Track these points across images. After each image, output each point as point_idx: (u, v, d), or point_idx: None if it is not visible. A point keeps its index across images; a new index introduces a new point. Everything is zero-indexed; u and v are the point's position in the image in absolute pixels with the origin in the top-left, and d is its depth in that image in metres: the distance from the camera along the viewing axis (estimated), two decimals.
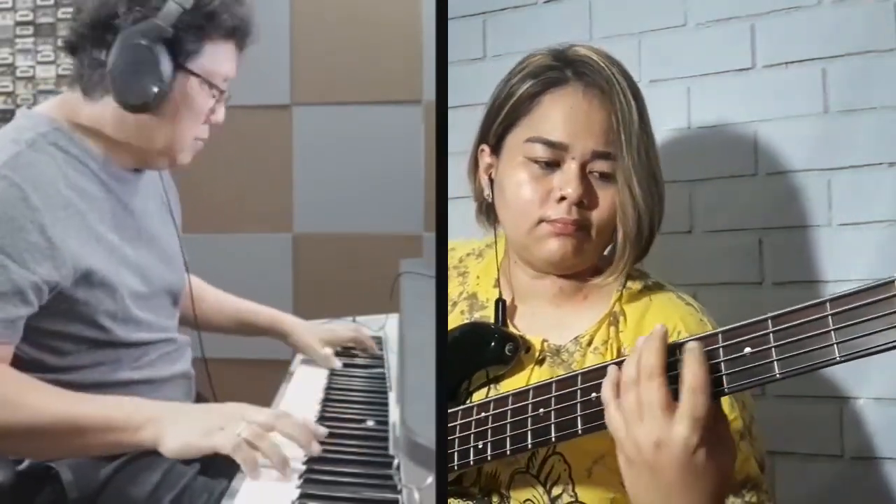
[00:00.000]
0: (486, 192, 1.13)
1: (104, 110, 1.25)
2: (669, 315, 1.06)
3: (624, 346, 1.05)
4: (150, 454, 1.17)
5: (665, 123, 1.49)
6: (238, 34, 1.28)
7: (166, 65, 1.19)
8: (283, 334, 1.68)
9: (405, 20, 2.73)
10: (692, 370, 0.79)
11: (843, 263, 1.38)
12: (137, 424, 1.09)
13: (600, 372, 0.88)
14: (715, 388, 0.79)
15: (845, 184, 1.38)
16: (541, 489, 1.01)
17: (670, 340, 1.01)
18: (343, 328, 1.77)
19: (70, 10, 1.27)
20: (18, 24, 2.96)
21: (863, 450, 1.37)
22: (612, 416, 0.83)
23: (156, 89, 1.19)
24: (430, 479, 0.84)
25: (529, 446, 0.92)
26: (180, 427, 1.08)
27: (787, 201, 1.42)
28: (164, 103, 1.22)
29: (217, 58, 1.26)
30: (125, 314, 1.26)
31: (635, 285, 1.09)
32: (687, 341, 0.82)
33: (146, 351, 1.31)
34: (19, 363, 1.17)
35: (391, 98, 2.77)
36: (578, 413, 0.88)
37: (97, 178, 1.26)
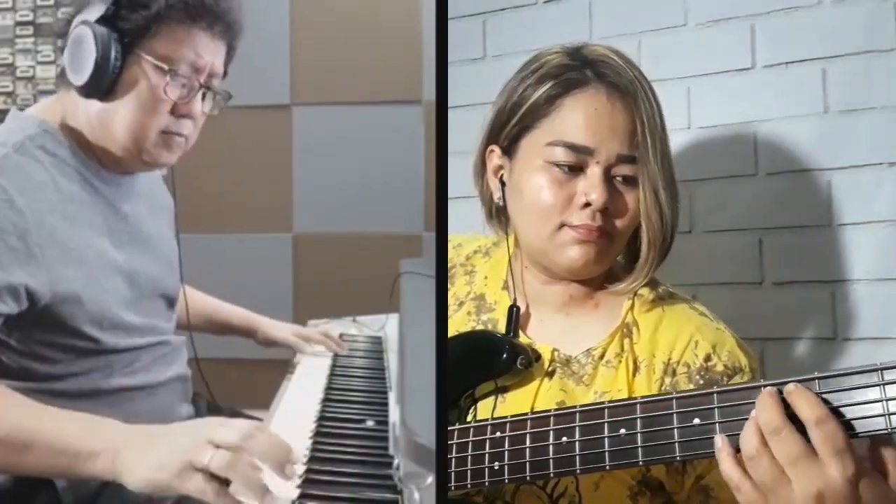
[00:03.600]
0: (497, 195, 1.10)
1: (77, 105, 1.22)
2: (684, 326, 1.04)
3: (640, 358, 1.03)
4: None
5: (665, 123, 1.48)
6: (202, 17, 1.20)
7: (108, 44, 1.15)
8: (252, 331, 1.71)
9: (405, 20, 2.73)
10: (806, 405, 0.76)
11: (844, 263, 1.38)
12: (91, 451, 0.94)
13: (630, 408, 0.85)
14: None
15: (845, 184, 1.38)
16: (546, 500, 0.99)
17: (700, 356, 1.01)
18: (313, 330, 1.78)
19: (70, 9, 1.25)
20: (18, 24, 2.97)
21: None
22: (750, 497, 0.77)
23: (92, 67, 1.15)
24: (430, 479, 0.84)
25: (552, 475, 0.90)
26: (149, 460, 0.93)
27: (787, 201, 1.42)
28: (116, 89, 1.18)
29: (176, 41, 1.19)
30: (113, 321, 1.22)
31: (647, 294, 1.07)
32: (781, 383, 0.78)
33: (138, 356, 1.28)
34: (8, 372, 1.14)
35: (391, 98, 2.77)
36: (607, 449, 0.86)
37: (86, 182, 1.23)
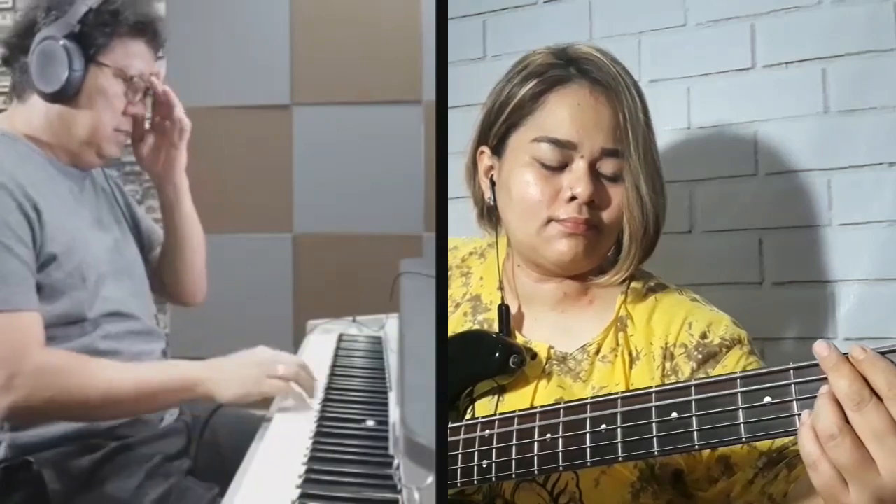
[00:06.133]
0: (488, 195, 1.11)
1: (34, 111, 1.35)
2: (677, 311, 1.05)
3: (638, 348, 1.04)
4: (131, 450, 1.25)
5: (665, 123, 1.48)
6: (146, 32, 1.39)
7: (76, 56, 1.31)
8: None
9: (405, 20, 2.73)
10: (882, 375, 0.68)
11: (844, 263, 1.38)
12: (193, 383, 1.26)
13: (611, 403, 0.84)
14: None
15: (845, 184, 1.38)
16: (547, 498, 0.99)
17: (696, 335, 1.01)
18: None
19: (19, 23, 1.41)
20: None
21: None
22: (827, 477, 0.69)
23: (65, 76, 1.30)
24: (430, 479, 0.84)
25: (536, 472, 0.89)
26: (233, 382, 1.26)
27: (787, 201, 1.42)
28: (79, 94, 1.33)
29: (128, 53, 1.37)
30: (92, 290, 1.32)
31: (639, 286, 1.08)
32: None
33: (112, 321, 1.35)
34: None
35: (391, 98, 2.77)
36: (588, 445, 0.85)
37: (53, 169, 1.36)
